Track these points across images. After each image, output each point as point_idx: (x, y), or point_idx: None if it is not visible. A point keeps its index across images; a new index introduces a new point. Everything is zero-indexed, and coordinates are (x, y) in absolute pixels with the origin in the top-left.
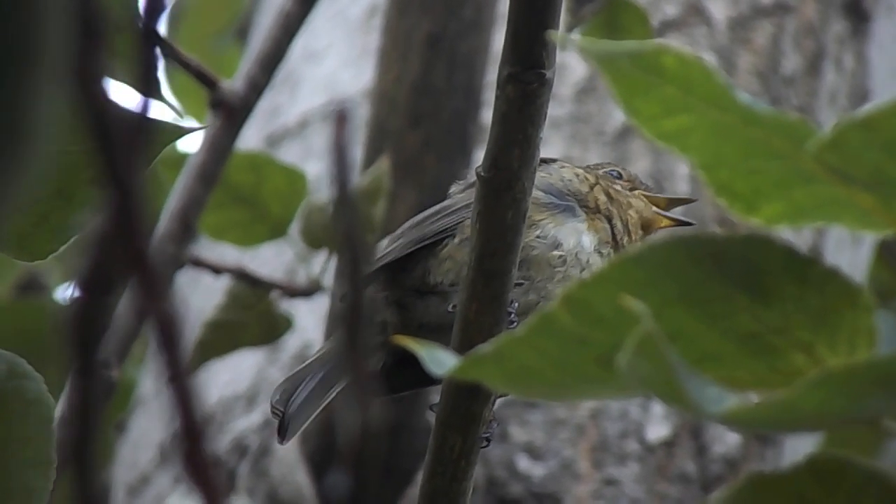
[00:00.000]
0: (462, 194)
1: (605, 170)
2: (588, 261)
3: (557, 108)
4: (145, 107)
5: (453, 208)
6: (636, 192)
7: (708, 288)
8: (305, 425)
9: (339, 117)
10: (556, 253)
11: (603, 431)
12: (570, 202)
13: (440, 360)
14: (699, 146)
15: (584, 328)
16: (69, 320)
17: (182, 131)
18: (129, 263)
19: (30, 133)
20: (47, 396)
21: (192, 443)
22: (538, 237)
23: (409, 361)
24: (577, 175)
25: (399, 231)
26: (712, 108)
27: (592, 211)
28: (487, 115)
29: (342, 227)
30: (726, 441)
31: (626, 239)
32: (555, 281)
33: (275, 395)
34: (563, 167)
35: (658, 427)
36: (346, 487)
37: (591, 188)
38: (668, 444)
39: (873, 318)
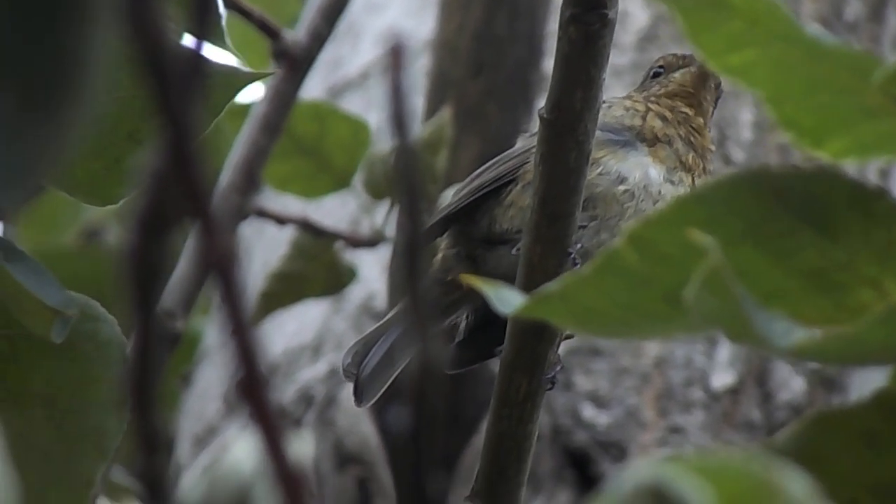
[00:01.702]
0: (525, 141)
1: (651, 71)
2: (660, 192)
3: (619, 56)
4: (202, 46)
5: (515, 153)
6: (674, 75)
7: (772, 224)
8: (383, 389)
9: (395, 52)
10: (621, 188)
11: (668, 379)
12: (627, 137)
13: (506, 298)
14: (765, 80)
15: (650, 266)
16: (127, 262)
17: (252, 77)
18: (188, 204)
19: (85, 74)
20: (120, 338)
21: (254, 386)
22: (600, 174)
23: (483, 329)
24: (628, 109)
25: (464, 182)
26: (779, 42)
27: (652, 142)
28: (549, 64)
29: (401, 167)
30: (792, 388)
31: (692, 156)
32: (626, 217)
33: (346, 358)
34: (611, 106)
35: (723, 375)
36: (407, 423)
37: (644, 118)
38: (734, 392)
39: None
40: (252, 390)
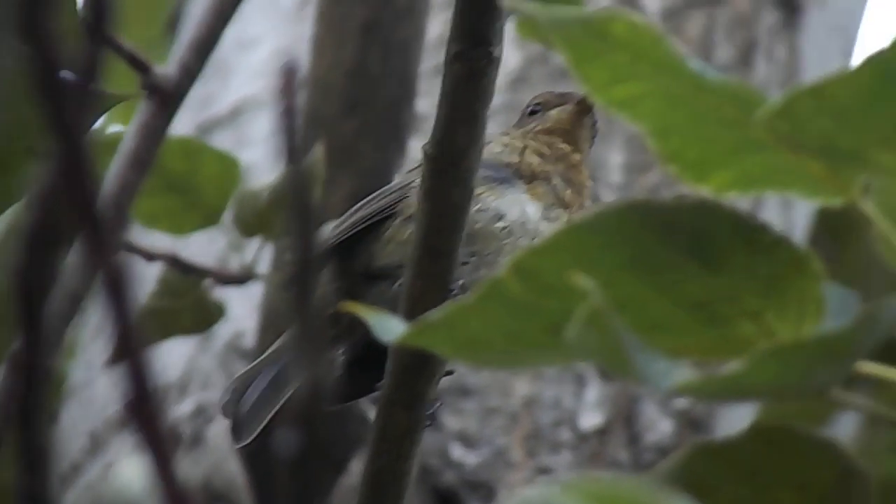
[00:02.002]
0: (402, 177)
1: (527, 112)
2: (537, 229)
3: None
4: (93, 64)
5: (394, 188)
6: (551, 112)
7: (658, 255)
8: (262, 426)
9: (287, 71)
10: (500, 224)
11: (536, 420)
12: (505, 174)
13: (389, 327)
14: (649, 113)
15: (534, 296)
16: (15, 276)
17: (116, 98)
18: (78, 220)
19: None
20: None
21: (144, 406)
22: (479, 210)
23: (365, 365)
24: (505, 146)
25: (343, 218)
26: (663, 76)
27: (529, 179)
28: (422, 103)
29: (291, 190)
30: (659, 429)
31: (569, 192)
32: (504, 253)
33: (224, 395)
34: (489, 142)
35: (591, 415)
36: (295, 445)
37: (521, 155)
38: (601, 433)
39: (821, 287)
40: (142, 410)
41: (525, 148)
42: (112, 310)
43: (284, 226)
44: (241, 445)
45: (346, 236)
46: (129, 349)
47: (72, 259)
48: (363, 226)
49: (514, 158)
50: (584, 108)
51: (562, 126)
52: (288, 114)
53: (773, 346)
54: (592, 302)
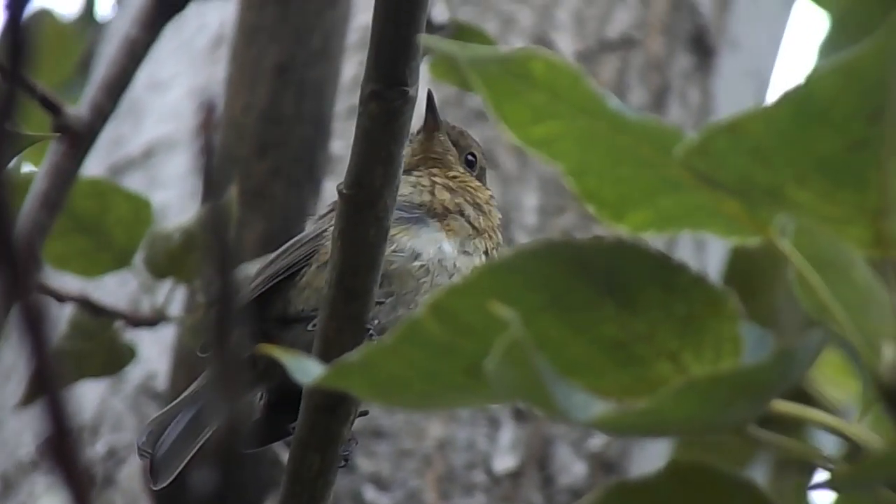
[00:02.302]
0: (316, 224)
1: (469, 151)
2: (455, 264)
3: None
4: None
5: (308, 238)
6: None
7: (575, 295)
8: (180, 468)
9: (206, 108)
10: (416, 264)
11: (450, 462)
12: (418, 214)
13: (306, 368)
14: (567, 153)
15: (452, 336)
16: None
17: (31, 139)
18: None
19: None
20: None
21: (61, 442)
22: (395, 251)
23: (281, 408)
24: (415, 186)
25: (260, 267)
26: (581, 115)
27: (443, 216)
28: (337, 144)
29: (209, 228)
30: (573, 472)
31: (482, 219)
32: (422, 292)
33: (141, 437)
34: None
35: (505, 458)
36: (212, 485)
37: (433, 193)
38: (515, 475)
39: (738, 327)
40: (59, 446)
41: (433, 185)
42: (29, 346)
43: (201, 264)
44: (158, 488)
45: (262, 290)
46: (47, 386)
47: None
48: (278, 279)
49: (426, 197)
50: (428, 129)
51: (427, 155)
52: (206, 152)
53: (689, 381)
54: (512, 333)
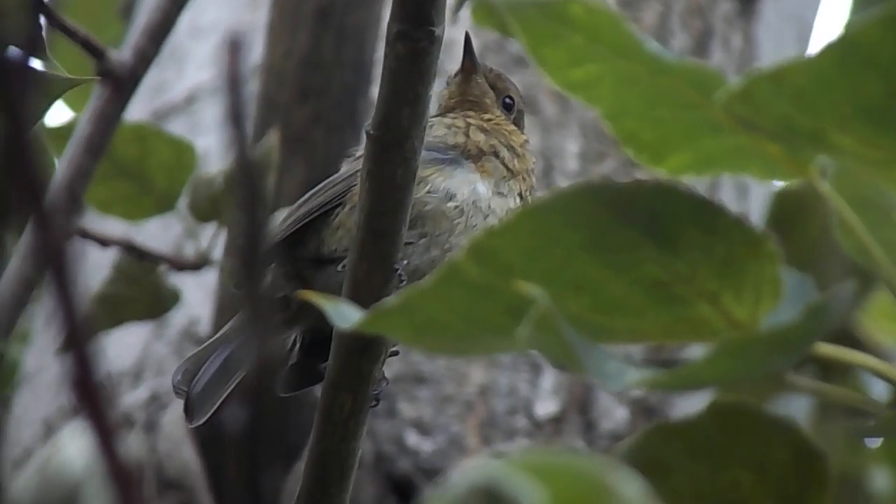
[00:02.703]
0: (350, 165)
1: (506, 94)
2: (489, 205)
3: (444, 84)
4: (33, 51)
5: (341, 178)
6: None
7: (615, 236)
8: (215, 407)
9: (232, 46)
10: (451, 204)
11: (491, 407)
12: (453, 155)
13: (345, 314)
14: (606, 95)
15: (492, 278)
16: None
17: (70, 83)
18: (23, 198)
19: None
20: None
21: (84, 372)
22: (429, 192)
23: (317, 351)
24: (449, 128)
25: (293, 207)
26: (619, 58)
27: (477, 157)
28: (377, 90)
29: (240, 167)
30: (614, 417)
31: (516, 161)
32: (456, 233)
33: (176, 375)
34: (432, 125)
35: (546, 403)
36: (244, 422)
37: (467, 134)
38: (557, 420)
39: (777, 268)
40: (87, 389)
41: (468, 126)
42: (58, 292)
43: (234, 207)
44: (194, 425)
45: (294, 228)
46: (76, 329)
47: (23, 243)
48: (311, 217)
49: (460, 139)
50: (465, 72)
51: (465, 98)
52: (233, 92)
53: (729, 341)
54: (540, 307)
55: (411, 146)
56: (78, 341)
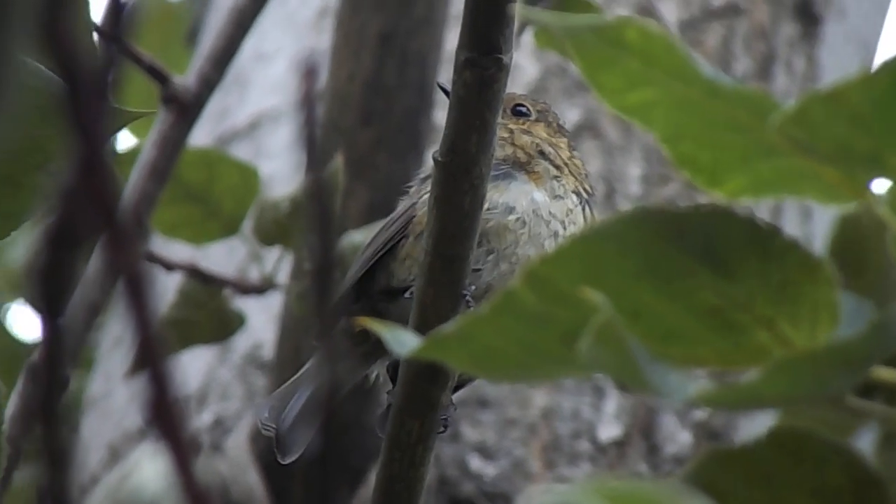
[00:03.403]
0: (406, 201)
1: (511, 106)
2: (550, 212)
3: None
4: (113, 64)
5: (399, 214)
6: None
7: (671, 263)
8: (307, 443)
9: (306, 69)
10: (512, 217)
11: (555, 431)
12: (504, 168)
13: (403, 340)
14: (662, 119)
15: (547, 306)
16: (35, 274)
17: (134, 115)
18: (98, 217)
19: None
20: None
21: (159, 392)
22: (489, 209)
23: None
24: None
25: (357, 257)
26: (675, 81)
27: (527, 165)
28: (439, 114)
29: (312, 194)
30: (678, 440)
31: (560, 154)
32: (521, 244)
33: (262, 412)
34: None
35: (610, 427)
36: (318, 444)
37: (513, 143)
38: (620, 444)
39: (835, 293)
40: (163, 412)
41: (511, 133)
42: (133, 312)
43: (304, 233)
44: (286, 462)
45: (364, 271)
46: (151, 350)
47: (91, 268)
48: (377, 257)
49: (508, 150)
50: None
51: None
52: (308, 118)
53: (787, 357)
54: (603, 316)
55: (479, 172)
56: (153, 361)
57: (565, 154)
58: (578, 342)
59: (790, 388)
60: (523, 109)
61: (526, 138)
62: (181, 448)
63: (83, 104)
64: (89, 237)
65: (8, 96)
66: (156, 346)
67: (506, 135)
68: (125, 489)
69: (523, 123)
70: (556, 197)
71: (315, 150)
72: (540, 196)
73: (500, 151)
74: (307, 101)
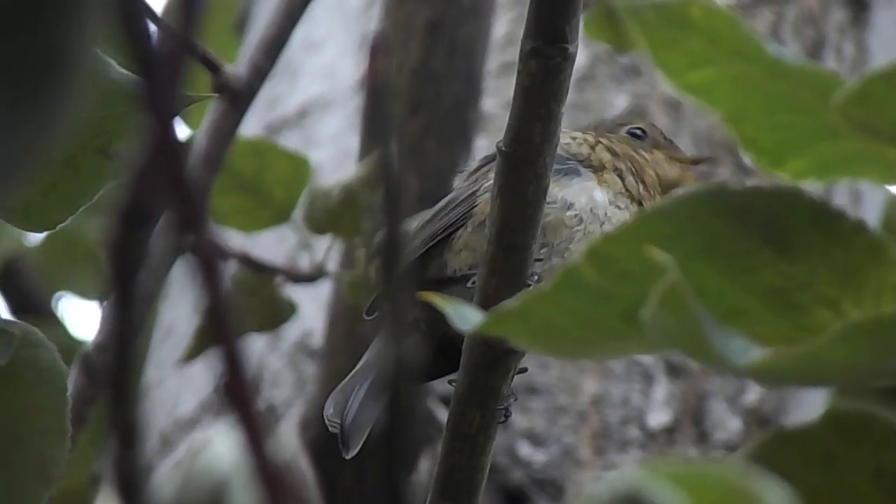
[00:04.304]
0: (465, 183)
1: (626, 128)
2: (606, 213)
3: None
4: (184, 44)
5: (461, 198)
6: (657, 152)
7: (733, 242)
8: (366, 435)
9: (374, 48)
10: (570, 213)
11: (604, 418)
12: (571, 164)
13: (465, 315)
14: (725, 99)
15: (609, 283)
16: (107, 250)
17: (192, 99)
18: (169, 195)
19: (69, 72)
20: (60, 364)
21: (233, 371)
22: (548, 203)
23: (437, 353)
24: (575, 138)
25: (414, 230)
26: (739, 61)
27: (597, 169)
28: (487, 103)
29: (380, 167)
30: (728, 427)
31: (641, 190)
32: (575, 241)
33: (328, 409)
34: None
35: (659, 413)
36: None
37: (593, 148)
38: (670, 431)
39: None
40: (235, 387)
41: (598, 143)
42: (205, 289)
43: (368, 214)
44: (351, 456)
45: (423, 250)
46: (223, 327)
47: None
48: (436, 240)
49: (585, 150)
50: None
51: (662, 174)
52: (374, 96)
53: (847, 326)
54: (669, 277)
55: (543, 163)
56: (225, 338)
57: (645, 193)
58: (642, 311)
59: (854, 356)
60: (637, 132)
61: (607, 156)
62: (253, 425)
63: (156, 86)
64: (159, 216)
65: (81, 82)
66: (228, 324)
67: (591, 140)
68: (196, 466)
69: (629, 145)
70: (616, 205)
71: (382, 127)
72: (600, 195)
73: (577, 147)
74: (373, 80)
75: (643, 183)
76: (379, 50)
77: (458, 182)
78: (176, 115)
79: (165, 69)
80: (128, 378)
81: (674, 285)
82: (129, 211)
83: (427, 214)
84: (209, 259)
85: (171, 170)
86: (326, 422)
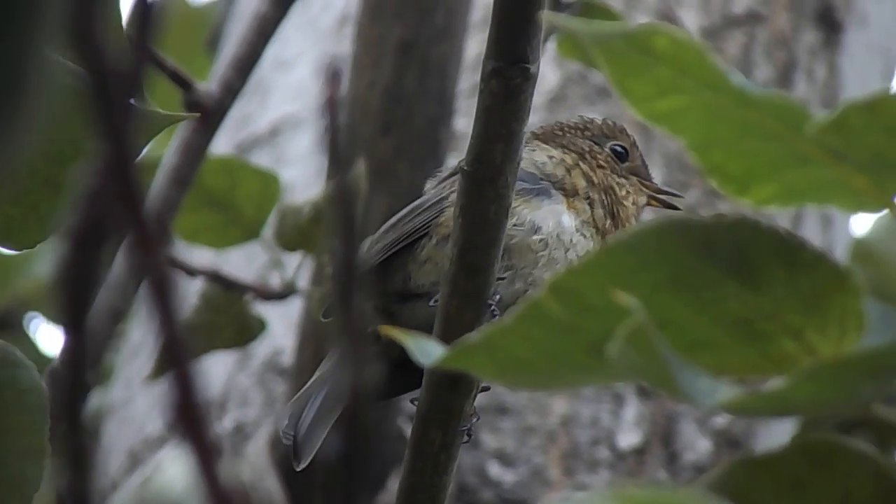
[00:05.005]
0: (435, 189)
1: (611, 144)
2: (571, 240)
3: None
4: (141, 65)
5: (427, 205)
6: (631, 178)
7: (697, 273)
8: (318, 446)
9: (331, 75)
10: (536, 237)
11: (574, 438)
12: (543, 185)
13: (427, 349)
14: (691, 127)
15: (574, 316)
16: (60, 276)
17: (170, 119)
18: (124, 217)
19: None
20: (40, 385)
21: (184, 394)
22: (515, 225)
23: (399, 368)
24: (552, 157)
25: (376, 236)
26: (705, 89)
27: (570, 194)
28: (460, 122)
29: (338, 191)
30: (697, 448)
31: (608, 224)
32: (539, 266)
33: (282, 421)
34: (534, 150)
35: (629, 434)
36: (339, 447)
37: (569, 171)
38: (639, 452)
39: (862, 302)
40: (187, 412)
41: (576, 167)
42: (158, 313)
43: (327, 237)
44: (301, 468)
45: (384, 256)
46: (175, 351)
47: (113, 274)
48: (399, 246)
49: (560, 172)
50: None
51: (635, 203)
52: (331, 123)
53: (815, 364)
54: (635, 319)
55: (504, 182)
56: (178, 363)
57: (611, 228)
58: (607, 347)
59: (817, 395)
60: (619, 150)
61: (582, 182)
62: (205, 450)
63: (110, 105)
64: (114, 239)
65: (41, 97)
66: (180, 347)
67: (569, 161)
68: (149, 491)
69: (612, 174)
70: (582, 233)
71: (339, 154)
72: (567, 220)
73: (552, 168)
74: (330, 106)
75: (614, 215)
76: (335, 75)
77: (429, 186)
78: (131, 136)
79: (121, 89)
80: (78, 402)
81: (640, 327)
82: (83, 234)
83: (392, 219)
84: (162, 281)
85: (125, 190)
86: (280, 434)
